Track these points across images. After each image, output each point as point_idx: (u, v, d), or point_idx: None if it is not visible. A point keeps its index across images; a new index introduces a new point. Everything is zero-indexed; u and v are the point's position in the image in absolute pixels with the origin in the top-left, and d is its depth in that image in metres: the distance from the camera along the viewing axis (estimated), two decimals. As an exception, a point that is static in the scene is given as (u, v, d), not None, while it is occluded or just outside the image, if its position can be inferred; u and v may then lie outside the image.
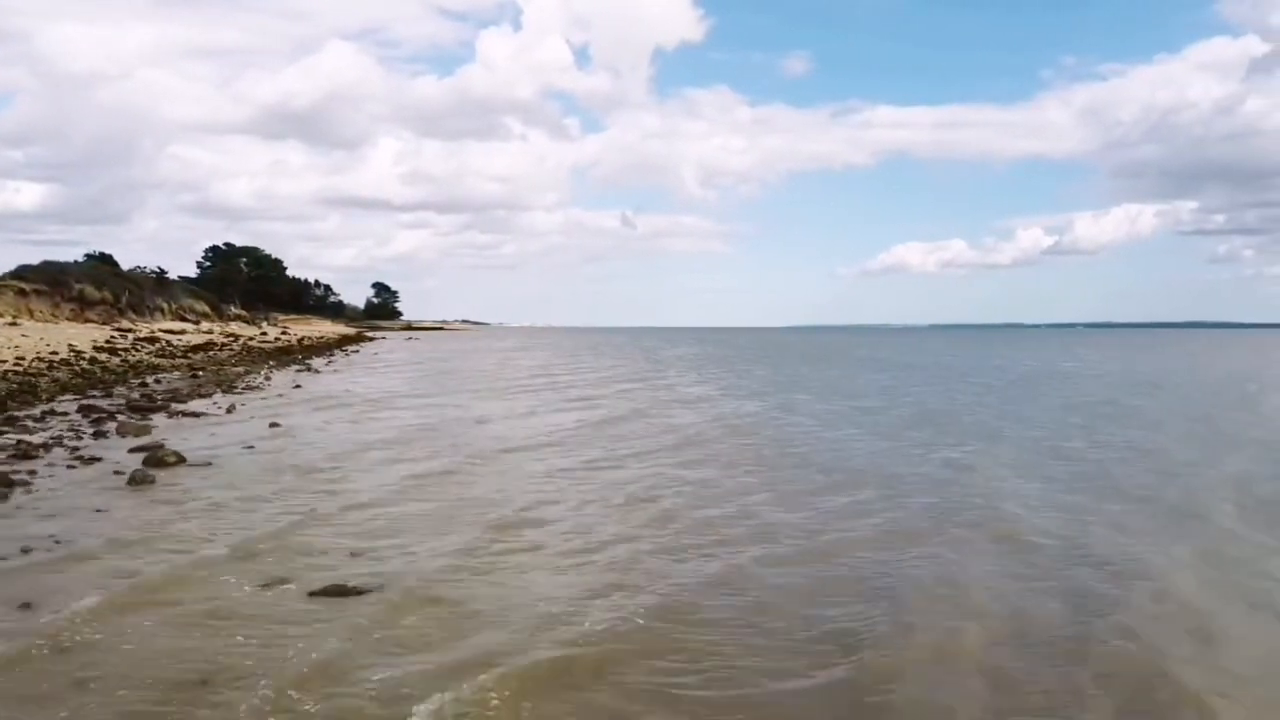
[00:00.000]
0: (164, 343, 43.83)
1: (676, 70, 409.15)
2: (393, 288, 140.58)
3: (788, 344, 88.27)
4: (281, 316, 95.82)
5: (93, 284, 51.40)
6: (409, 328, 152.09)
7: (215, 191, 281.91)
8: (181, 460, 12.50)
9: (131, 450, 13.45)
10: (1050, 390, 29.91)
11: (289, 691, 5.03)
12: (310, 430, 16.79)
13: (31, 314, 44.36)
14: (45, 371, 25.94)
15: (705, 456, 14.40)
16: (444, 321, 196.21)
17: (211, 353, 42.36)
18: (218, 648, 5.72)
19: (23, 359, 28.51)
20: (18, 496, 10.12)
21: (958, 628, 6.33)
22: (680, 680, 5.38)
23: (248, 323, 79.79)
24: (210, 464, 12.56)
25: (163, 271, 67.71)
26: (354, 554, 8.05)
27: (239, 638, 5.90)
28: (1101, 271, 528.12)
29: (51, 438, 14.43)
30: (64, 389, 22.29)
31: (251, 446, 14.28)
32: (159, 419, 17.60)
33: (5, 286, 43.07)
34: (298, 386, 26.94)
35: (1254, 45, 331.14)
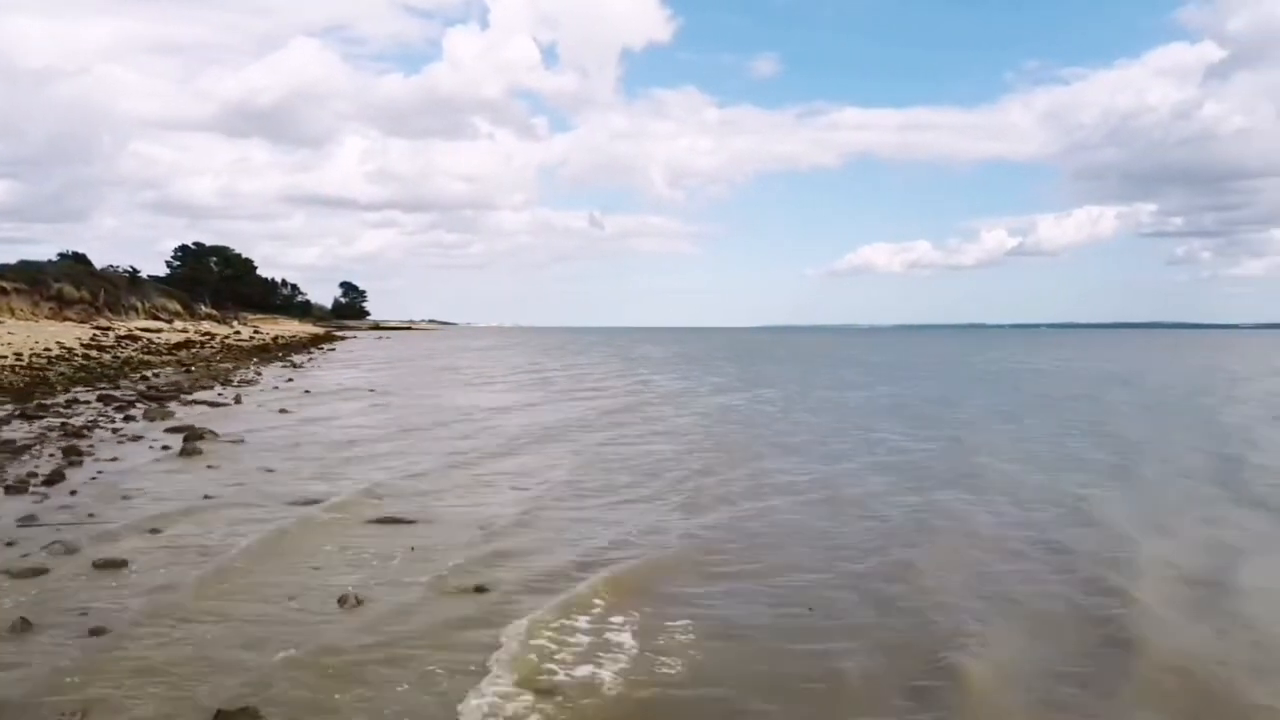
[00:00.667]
0: (146, 341, 45.16)
1: (644, 70, 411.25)
2: (360, 287, 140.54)
3: (765, 344, 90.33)
4: (251, 316, 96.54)
5: (71, 283, 52.54)
6: (376, 327, 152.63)
7: (177, 189, 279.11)
8: (216, 437, 14.46)
9: (167, 430, 15.38)
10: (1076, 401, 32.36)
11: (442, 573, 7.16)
12: (322, 416, 18.74)
13: (13, 312, 45.49)
14: (47, 366, 27.52)
15: (706, 435, 16.60)
16: (411, 321, 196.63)
17: (194, 350, 43.82)
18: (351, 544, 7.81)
19: (20, 355, 30.02)
20: (89, 465, 12.03)
21: (948, 542, 8.57)
22: (732, 572, 7.48)
23: (218, 322, 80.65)
24: (243, 440, 14.53)
25: (135, 271, 68.71)
26: (420, 495, 10.15)
27: (352, 552, 7.96)
28: (1064, 273, 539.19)
29: (88, 421, 16.27)
30: (73, 382, 23.95)
31: (274, 427, 16.25)
32: (174, 406, 19.43)
33: (-13, 285, 44.18)
34: (290, 380, 28.75)
35: (1211, 51, 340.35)
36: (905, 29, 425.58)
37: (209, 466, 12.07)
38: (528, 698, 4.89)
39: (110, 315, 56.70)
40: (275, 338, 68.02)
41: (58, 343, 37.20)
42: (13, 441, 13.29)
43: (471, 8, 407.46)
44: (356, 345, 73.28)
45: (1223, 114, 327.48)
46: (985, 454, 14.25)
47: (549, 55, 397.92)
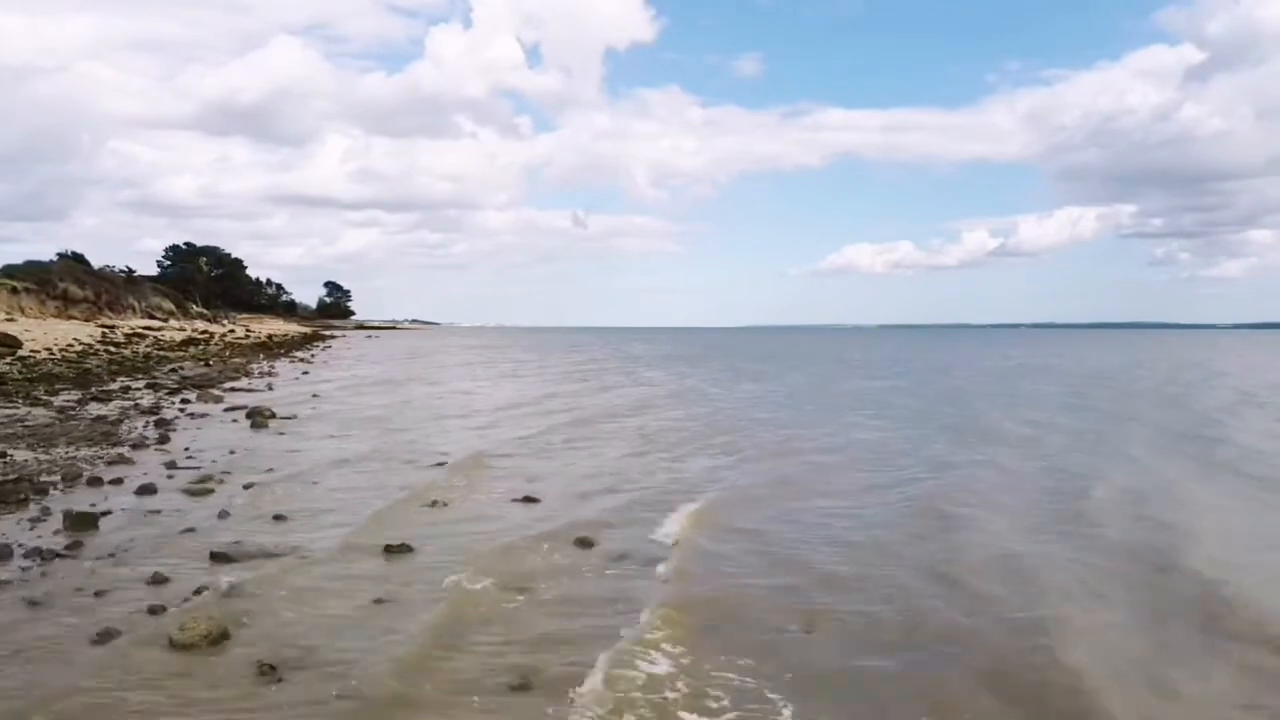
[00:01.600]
0: (153, 338, 47.45)
1: (628, 70, 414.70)
2: (345, 287, 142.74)
3: (759, 344, 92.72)
4: (239, 315, 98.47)
5: (75, 283, 54.73)
6: (361, 327, 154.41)
7: (157, 188, 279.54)
8: (274, 414, 17.07)
9: (226, 410, 17.97)
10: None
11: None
12: (351, 399, 21.35)
13: (23, 311, 47.64)
14: (80, 360, 29.92)
15: (726, 419, 19.37)
16: (394, 321, 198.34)
17: (202, 347, 46.17)
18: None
19: (49, 349, 32.39)
20: (184, 434, 14.60)
21: (959, 476, 11.35)
22: (782, 507, 10.17)
23: (209, 321, 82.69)
24: (294, 416, 17.16)
25: (131, 271, 70.89)
26: (519, 456, 12.84)
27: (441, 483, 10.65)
28: (1045, 273, 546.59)
29: (153, 403, 18.80)
30: (112, 374, 26.40)
31: (314, 409, 18.86)
32: (218, 392, 21.97)
33: (1, 284, 46.34)
34: (305, 373, 31.29)
35: (1190, 54, 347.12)
36: (888, 30, 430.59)
37: (281, 434, 14.72)
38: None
39: (110, 314, 58.85)
40: (270, 336, 70.25)
41: (74, 339, 39.52)
42: (105, 418, 15.84)
43: (455, 6, 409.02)
44: (349, 344, 75.50)
45: (1202, 116, 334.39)
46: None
47: (533, 54, 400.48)
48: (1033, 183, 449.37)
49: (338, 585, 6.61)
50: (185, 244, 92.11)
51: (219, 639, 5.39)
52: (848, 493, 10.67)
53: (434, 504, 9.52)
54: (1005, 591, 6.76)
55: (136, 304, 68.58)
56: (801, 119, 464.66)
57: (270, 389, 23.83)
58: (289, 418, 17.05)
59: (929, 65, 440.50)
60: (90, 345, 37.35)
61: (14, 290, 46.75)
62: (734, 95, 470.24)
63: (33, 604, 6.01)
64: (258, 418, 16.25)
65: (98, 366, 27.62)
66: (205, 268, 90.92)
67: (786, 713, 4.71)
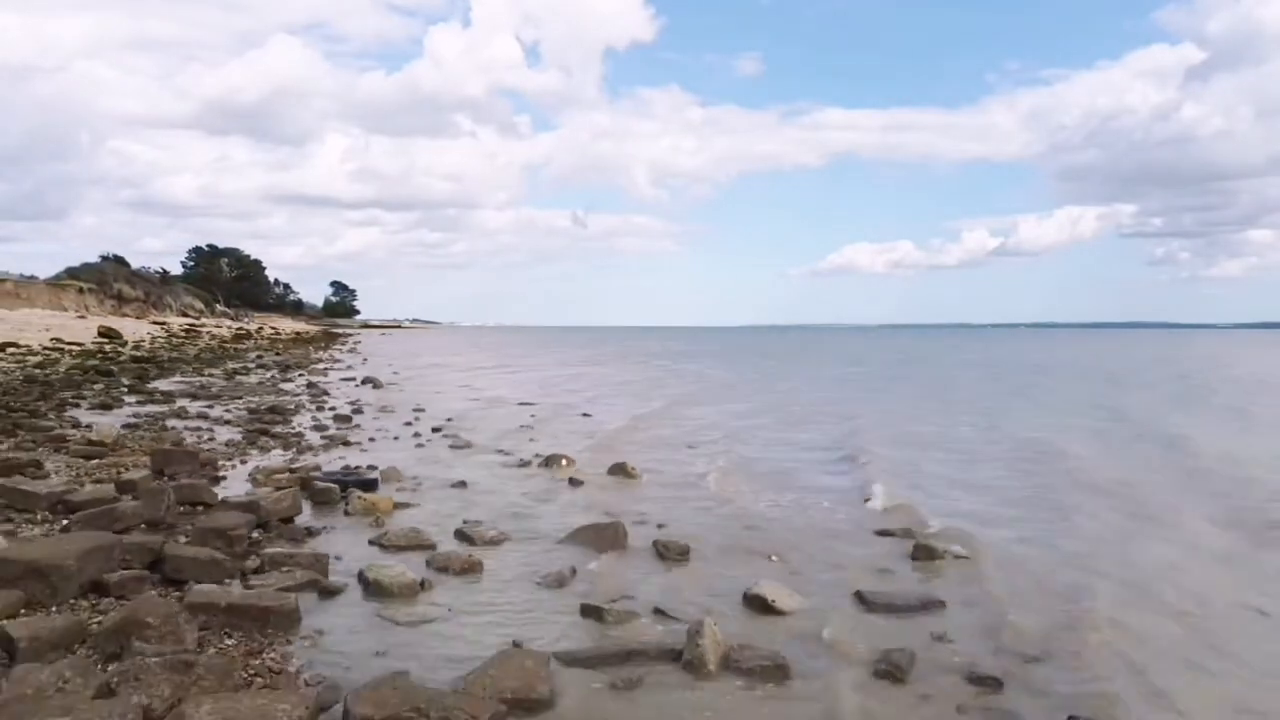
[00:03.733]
0: (206, 334, 53.68)
1: (628, 69, 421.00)
2: (350, 286, 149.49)
3: (765, 343, 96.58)
4: (254, 314, 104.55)
5: (127, 283, 61.14)
6: (365, 326, 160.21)
7: (157, 187, 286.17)
8: (383, 384, 23.27)
9: (343, 379, 24.16)
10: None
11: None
12: (430, 376, 27.54)
13: (88, 309, 53.90)
14: (175, 348, 36.14)
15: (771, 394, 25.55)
16: (396, 320, 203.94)
17: (252, 341, 52.41)
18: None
19: (142, 343, 38.68)
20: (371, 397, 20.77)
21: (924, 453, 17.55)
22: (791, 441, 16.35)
23: (232, 319, 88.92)
24: (393, 384, 23.36)
25: (165, 271, 77.45)
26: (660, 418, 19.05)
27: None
28: (1045, 273, 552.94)
29: (299, 379, 24.98)
30: (215, 359, 32.62)
31: (406, 378, 25.10)
32: (318, 370, 28.16)
33: (69, 286, 52.65)
34: (365, 360, 37.49)
35: (1191, 53, 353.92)
36: (888, 30, 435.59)
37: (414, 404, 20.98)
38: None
39: (153, 312, 65.13)
40: (297, 333, 76.49)
41: (148, 333, 45.78)
42: (274, 384, 22.04)
43: (454, 6, 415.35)
44: (370, 340, 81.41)
45: (1202, 115, 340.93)
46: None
47: (532, 54, 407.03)
48: (1033, 182, 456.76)
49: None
50: (208, 246, 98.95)
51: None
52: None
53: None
54: None
55: (172, 303, 74.85)
56: (801, 118, 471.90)
57: (353, 368, 30.04)
58: (391, 384, 23.24)
59: (929, 65, 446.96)
60: (164, 338, 43.61)
61: (80, 290, 53.01)
62: (734, 95, 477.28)
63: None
64: (373, 387, 22.48)
65: (198, 354, 33.85)
66: (226, 268, 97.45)
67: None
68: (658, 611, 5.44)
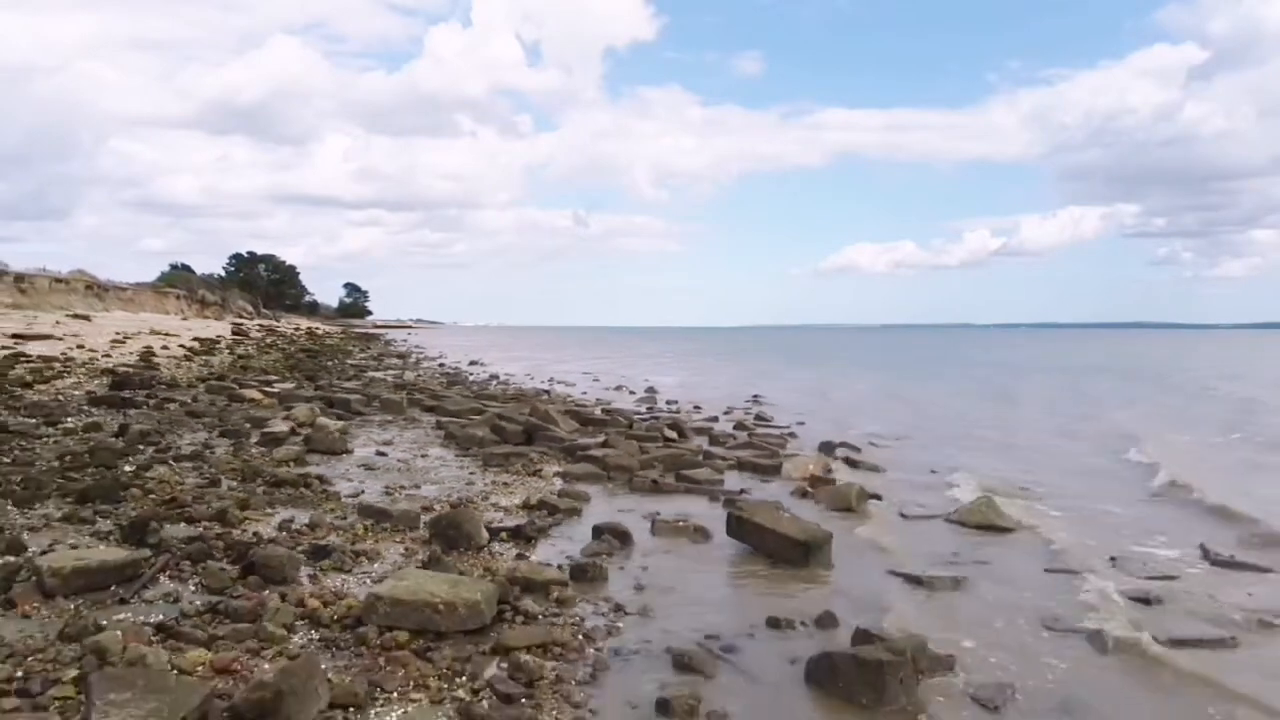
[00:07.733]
0: (279, 334, 58.11)
1: (629, 69, 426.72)
2: (363, 287, 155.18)
3: (776, 343, 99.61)
4: (287, 316, 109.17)
5: (206, 289, 66.36)
6: (378, 326, 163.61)
7: (158, 187, 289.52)
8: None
9: (470, 363, 29.14)
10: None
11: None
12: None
13: (181, 313, 58.80)
14: (290, 346, 40.89)
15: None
16: (400, 320, 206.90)
17: (322, 340, 57.09)
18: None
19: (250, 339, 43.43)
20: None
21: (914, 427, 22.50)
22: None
23: (273, 320, 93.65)
24: (532, 376, 28.35)
25: (222, 276, 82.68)
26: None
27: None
28: (1047, 273, 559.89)
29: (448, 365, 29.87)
30: (332, 357, 37.29)
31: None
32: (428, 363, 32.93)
33: (169, 292, 58.06)
34: (470, 358, 42.21)
35: (1193, 53, 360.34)
36: (889, 29, 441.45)
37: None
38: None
39: (227, 314, 70.11)
40: (344, 333, 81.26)
41: (238, 334, 50.58)
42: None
43: (455, 5, 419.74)
44: (398, 338, 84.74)
45: (1204, 115, 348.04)
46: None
47: (532, 53, 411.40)
48: (1035, 182, 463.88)
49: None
50: (248, 252, 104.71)
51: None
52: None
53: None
54: None
55: (232, 307, 79.74)
56: (802, 118, 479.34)
57: (494, 363, 34.90)
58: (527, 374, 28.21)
59: (930, 64, 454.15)
60: (259, 339, 48.34)
61: (176, 296, 58.04)
62: (734, 94, 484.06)
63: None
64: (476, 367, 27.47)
65: (317, 351, 38.64)
66: (264, 274, 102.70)
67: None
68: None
